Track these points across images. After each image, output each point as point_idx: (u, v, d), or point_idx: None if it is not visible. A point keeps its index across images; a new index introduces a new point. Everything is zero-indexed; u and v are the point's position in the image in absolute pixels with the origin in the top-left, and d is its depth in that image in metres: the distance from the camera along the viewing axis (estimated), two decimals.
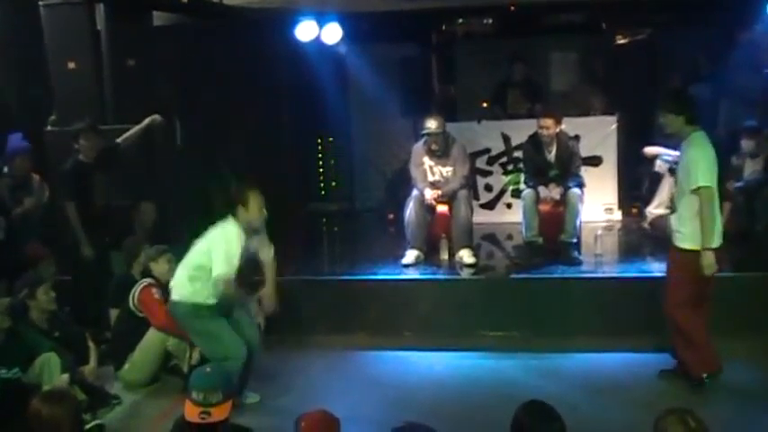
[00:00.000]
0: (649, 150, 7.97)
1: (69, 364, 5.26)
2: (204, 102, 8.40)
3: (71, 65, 7.42)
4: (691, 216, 5.13)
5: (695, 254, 5.13)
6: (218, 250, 5.10)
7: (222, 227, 5.21)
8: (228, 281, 5.11)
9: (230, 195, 5.22)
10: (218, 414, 3.53)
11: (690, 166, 5.12)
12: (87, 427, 4.81)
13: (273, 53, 9.12)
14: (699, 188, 5.06)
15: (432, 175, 7.42)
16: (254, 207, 5.15)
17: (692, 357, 5.34)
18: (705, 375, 5.29)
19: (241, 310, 5.45)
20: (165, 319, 5.84)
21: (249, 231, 5.20)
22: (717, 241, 5.16)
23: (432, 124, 7.23)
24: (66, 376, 5.14)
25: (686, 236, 5.18)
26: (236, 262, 5.09)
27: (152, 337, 5.89)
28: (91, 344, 5.82)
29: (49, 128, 7.52)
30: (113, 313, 6.36)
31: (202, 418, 3.51)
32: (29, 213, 7.00)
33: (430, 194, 7.26)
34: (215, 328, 5.22)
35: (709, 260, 5.09)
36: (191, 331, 5.38)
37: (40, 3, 7.47)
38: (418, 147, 7.49)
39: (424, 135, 7.34)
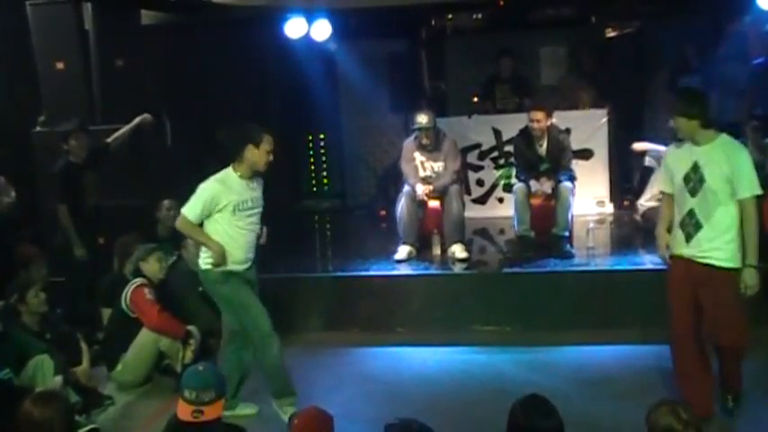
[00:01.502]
0: (638, 146, 7.99)
1: (62, 365, 5.25)
2: (194, 100, 8.37)
3: (59, 65, 7.39)
4: (731, 228, 4.59)
5: (739, 273, 4.59)
6: (195, 193, 5.05)
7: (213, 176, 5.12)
8: (183, 221, 5.04)
9: (243, 134, 5.07)
10: (211, 413, 3.52)
11: (739, 172, 4.50)
12: (82, 431, 4.79)
13: (263, 50, 9.10)
14: (751, 197, 4.53)
15: (423, 170, 7.42)
16: (264, 148, 5.02)
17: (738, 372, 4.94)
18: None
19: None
20: (158, 320, 5.83)
21: (251, 178, 5.09)
22: (753, 259, 4.59)
23: (422, 119, 7.22)
24: (59, 378, 5.12)
25: (728, 252, 4.59)
26: (200, 205, 4.98)
27: (144, 337, 5.88)
28: (83, 345, 5.79)
29: (37, 128, 7.50)
30: (105, 313, 6.34)
31: (195, 417, 3.49)
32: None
33: (421, 190, 7.25)
34: (242, 296, 5.11)
35: (753, 279, 4.54)
36: (218, 299, 5.23)
37: (27, 2, 7.44)
38: (409, 142, 7.49)
39: (414, 130, 7.34)
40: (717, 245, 4.60)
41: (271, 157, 5.08)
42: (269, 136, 5.05)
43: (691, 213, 4.66)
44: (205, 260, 5.11)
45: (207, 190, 5.02)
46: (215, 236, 5.04)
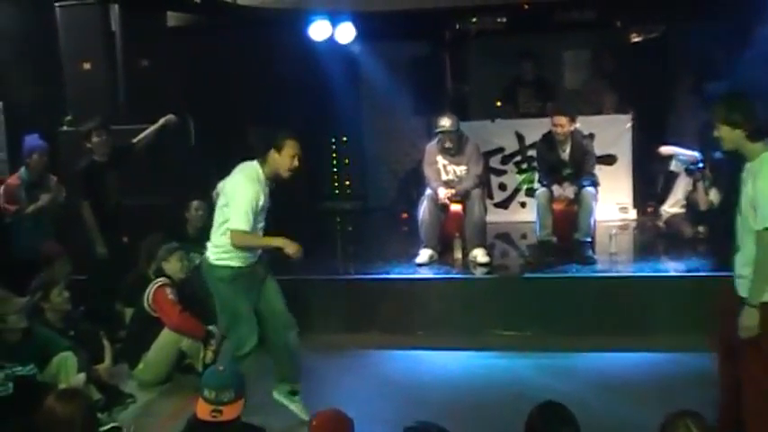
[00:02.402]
0: (665, 150, 7.91)
1: (85, 363, 5.29)
2: (218, 101, 8.42)
3: (86, 65, 7.46)
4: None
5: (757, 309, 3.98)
6: (235, 201, 4.89)
7: (241, 173, 5.02)
8: (242, 235, 4.91)
9: (270, 137, 5.05)
10: (230, 413, 3.54)
11: (759, 199, 3.91)
12: (103, 429, 4.83)
13: (287, 52, 9.13)
14: (763, 230, 3.91)
15: (445, 174, 7.41)
16: (288, 154, 4.97)
17: None
18: None
19: (277, 294, 5.28)
20: (178, 320, 5.87)
21: (271, 182, 5.05)
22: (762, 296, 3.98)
23: (445, 122, 7.21)
24: (82, 375, 5.16)
25: (760, 287, 3.97)
26: (251, 213, 4.86)
27: (166, 337, 5.92)
28: (106, 342, 5.85)
29: (63, 128, 7.57)
30: (128, 312, 6.39)
31: (213, 417, 3.52)
32: (42, 211, 7.03)
33: (443, 193, 7.25)
34: (238, 305, 5.07)
35: (751, 321, 3.96)
36: (216, 295, 5.17)
37: (56, 3, 7.52)
38: (431, 146, 7.49)
39: (437, 133, 7.33)
40: (745, 273, 4.08)
41: (295, 163, 5.02)
42: (293, 141, 5.00)
43: (735, 233, 4.21)
44: (217, 256, 5.06)
45: (251, 195, 4.89)
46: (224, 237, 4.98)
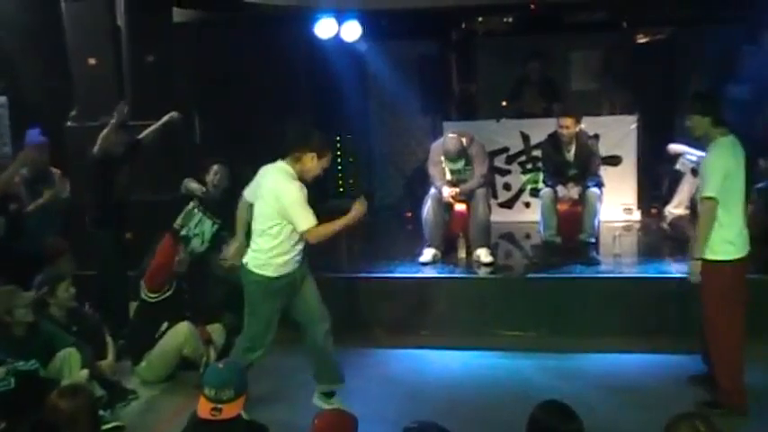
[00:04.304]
0: (673, 148, 7.83)
1: (89, 359, 5.30)
2: (223, 98, 8.41)
3: (91, 61, 7.47)
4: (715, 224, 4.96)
5: (717, 265, 4.97)
6: (289, 205, 4.89)
7: (276, 176, 4.99)
8: (316, 231, 4.94)
9: (310, 139, 5.02)
10: (229, 411, 3.54)
11: (702, 173, 5.01)
12: (106, 427, 4.84)
13: (293, 50, 9.12)
14: (704, 198, 4.93)
15: (450, 173, 7.40)
16: (323, 164, 4.99)
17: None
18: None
19: (313, 292, 5.31)
20: (157, 270, 5.89)
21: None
22: (736, 252, 4.98)
23: (450, 148, 7.11)
24: (85, 372, 5.18)
25: (711, 246, 4.98)
26: (309, 209, 4.89)
27: (170, 341, 5.94)
28: (109, 339, 5.86)
29: (69, 123, 7.58)
30: (133, 307, 6.40)
31: (213, 415, 3.53)
32: (47, 207, 7.03)
33: (447, 192, 7.23)
34: (264, 307, 5.09)
35: (694, 269, 5.04)
36: (246, 294, 5.18)
37: None
38: (437, 145, 7.47)
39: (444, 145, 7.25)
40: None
41: (321, 174, 5.07)
42: (330, 154, 5.06)
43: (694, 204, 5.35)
44: (255, 263, 5.07)
45: (299, 193, 4.91)
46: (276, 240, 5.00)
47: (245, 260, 5.14)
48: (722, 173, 4.87)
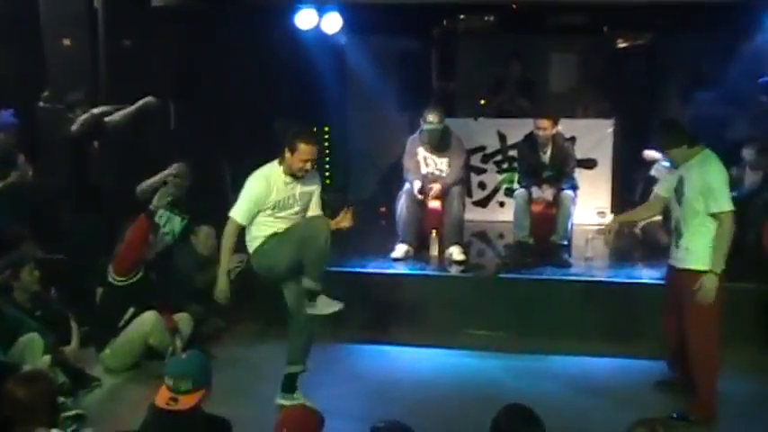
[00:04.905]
0: (649, 153, 7.88)
1: (51, 345, 5.22)
2: (199, 86, 8.32)
3: (66, 42, 7.35)
4: (705, 236, 4.94)
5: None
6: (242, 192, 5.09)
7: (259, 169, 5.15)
8: (230, 224, 5.07)
9: (288, 133, 5.12)
10: (186, 402, 3.50)
11: (712, 187, 4.86)
12: (67, 414, 4.76)
13: (272, 40, 9.03)
14: (723, 212, 4.86)
15: (425, 166, 7.39)
16: (299, 158, 5.00)
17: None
18: None
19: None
20: (127, 253, 5.83)
21: (296, 178, 5.10)
22: (721, 266, 4.98)
23: (432, 118, 7.17)
24: (48, 358, 5.12)
25: (699, 256, 4.96)
26: (247, 205, 5.03)
27: (135, 330, 5.86)
28: (73, 324, 5.78)
29: (41, 104, 7.46)
30: (99, 292, 6.31)
31: (168, 405, 3.49)
32: (12, 190, 6.91)
33: (418, 186, 7.20)
34: (274, 246, 5.13)
35: (711, 283, 4.89)
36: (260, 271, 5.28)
37: None
38: (414, 138, 7.47)
39: (423, 130, 7.28)
40: (692, 249, 4.98)
41: (308, 166, 5.07)
42: (306, 146, 5.01)
43: (677, 222, 5.10)
44: (250, 242, 5.18)
45: (252, 188, 5.05)
46: (254, 230, 5.10)
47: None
48: (727, 185, 4.94)
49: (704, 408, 5.04)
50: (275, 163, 5.13)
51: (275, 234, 5.12)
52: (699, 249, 4.96)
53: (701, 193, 4.89)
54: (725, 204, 4.87)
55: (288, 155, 5.03)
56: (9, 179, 6.86)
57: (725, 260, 4.93)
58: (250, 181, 5.08)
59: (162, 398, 3.52)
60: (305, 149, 5.01)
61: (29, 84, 7.69)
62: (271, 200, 5.03)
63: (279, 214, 5.08)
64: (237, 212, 5.07)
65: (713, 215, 4.88)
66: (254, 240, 5.18)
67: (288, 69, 9.44)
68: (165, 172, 6.77)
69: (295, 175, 5.09)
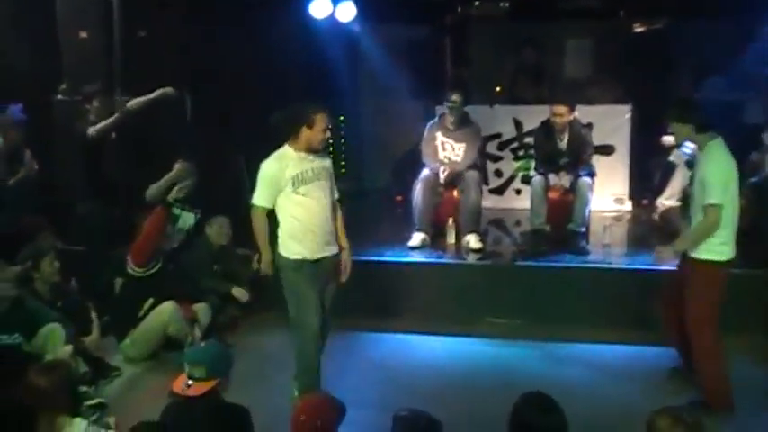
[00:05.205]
0: (668, 139, 7.82)
1: (72, 335, 5.27)
2: (215, 76, 8.33)
3: (82, 34, 7.38)
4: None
5: (712, 265, 4.97)
6: (258, 178, 5.06)
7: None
8: (255, 211, 5.03)
9: (296, 116, 5.07)
10: (196, 390, 3.56)
11: (706, 180, 4.88)
12: (89, 403, 4.81)
13: (287, 29, 9.03)
14: (709, 205, 4.87)
15: (443, 150, 7.39)
16: (319, 129, 5.01)
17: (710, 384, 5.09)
18: None
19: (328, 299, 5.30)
20: (144, 244, 5.86)
21: (307, 151, 5.07)
22: (729, 254, 4.99)
23: (456, 97, 7.25)
24: (69, 347, 5.15)
25: (707, 247, 4.96)
26: (265, 188, 4.99)
27: (154, 319, 5.91)
28: (93, 315, 5.83)
29: (58, 97, 7.50)
30: (119, 283, 6.35)
31: (182, 389, 3.55)
32: (21, 184, 6.94)
33: (444, 174, 7.25)
34: (303, 287, 5.04)
35: (669, 255, 5.15)
36: (283, 281, 5.15)
37: None
38: (433, 123, 7.50)
39: (445, 109, 7.32)
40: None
41: (327, 134, 5.11)
42: (321, 115, 5.03)
43: (689, 209, 5.23)
44: (281, 244, 5.10)
45: (266, 171, 5.01)
46: (282, 222, 5.05)
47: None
48: (725, 179, 4.88)
49: (715, 398, 5.00)
50: (285, 146, 5.11)
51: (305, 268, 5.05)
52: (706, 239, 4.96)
53: (701, 183, 4.93)
54: (713, 197, 4.84)
55: (306, 132, 5.01)
56: (19, 175, 6.90)
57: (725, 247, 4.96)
58: (262, 166, 5.07)
59: (178, 383, 3.59)
60: (320, 118, 5.02)
61: (45, 77, 7.73)
62: (287, 175, 4.98)
63: (300, 190, 4.98)
64: (258, 198, 5.03)
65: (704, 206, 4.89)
66: (282, 234, 5.11)
67: (302, 58, 9.44)
68: (170, 174, 6.82)
69: (314, 150, 5.07)
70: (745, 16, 8.72)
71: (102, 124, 6.96)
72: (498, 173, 8.95)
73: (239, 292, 6.51)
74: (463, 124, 7.36)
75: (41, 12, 7.59)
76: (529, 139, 8.45)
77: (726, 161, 4.93)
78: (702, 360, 5.06)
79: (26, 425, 2.85)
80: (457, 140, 7.35)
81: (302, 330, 5.07)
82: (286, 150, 5.06)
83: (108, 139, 6.95)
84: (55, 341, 5.15)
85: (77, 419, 3.72)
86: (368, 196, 10.18)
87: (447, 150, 7.40)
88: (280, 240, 5.11)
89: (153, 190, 6.81)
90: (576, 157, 7.23)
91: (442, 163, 7.33)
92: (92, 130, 6.95)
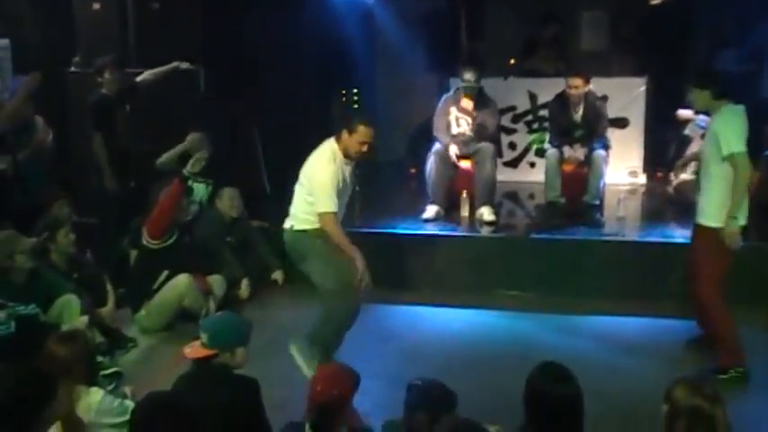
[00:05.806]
0: (683, 113, 7.78)
1: (88, 306, 5.31)
2: (228, 50, 8.31)
3: (95, 5, 7.37)
4: (719, 191, 4.87)
5: (714, 231, 4.91)
6: (317, 185, 5.01)
7: (317, 152, 5.11)
8: (329, 219, 5.01)
9: (351, 117, 5.12)
10: (195, 352, 3.65)
11: (718, 135, 4.80)
12: (105, 372, 4.85)
13: (302, 2, 8.99)
14: (732, 154, 4.74)
15: (457, 126, 7.35)
16: (357, 140, 5.00)
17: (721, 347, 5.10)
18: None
19: None
20: (160, 216, 5.87)
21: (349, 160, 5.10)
22: (742, 220, 4.90)
23: (470, 77, 7.19)
24: (85, 318, 5.19)
25: (711, 213, 4.93)
26: (332, 193, 4.97)
27: (170, 291, 5.94)
28: (109, 286, 5.86)
29: (71, 69, 7.50)
30: (133, 254, 6.39)
31: (186, 352, 3.67)
32: (35, 154, 6.95)
33: (454, 151, 7.18)
34: (335, 255, 5.06)
35: (732, 229, 4.82)
36: (312, 258, 5.14)
37: None
38: (447, 97, 7.47)
39: (459, 87, 7.25)
40: (702, 205, 5.04)
41: (364, 149, 5.06)
42: (365, 128, 5.01)
43: (697, 178, 5.25)
44: (305, 218, 5.11)
45: (329, 176, 4.98)
46: (307, 206, 5.07)
47: (289, 229, 5.21)
48: (738, 129, 4.81)
49: (729, 357, 5.02)
50: (332, 143, 5.09)
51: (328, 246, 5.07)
52: (706, 205, 4.97)
53: (713, 143, 4.85)
54: (734, 146, 4.75)
55: (346, 136, 5.02)
56: (29, 149, 6.90)
57: (742, 208, 4.87)
58: (321, 171, 5.00)
59: (191, 345, 3.70)
60: (364, 131, 5.01)
61: (58, 49, 7.73)
62: (339, 178, 5.02)
63: (336, 199, 5.03)
64: (327, 204, 4.98)
65: (726, 159, 4.77)
66: (306, 213, 5.13)
67: (317, 32, 9.39)
68: (183, 144, 6.82)
69: (350, 158, 5.09)
70: None
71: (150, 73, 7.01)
72: (512, 145, 8.91)
73: (278, 275, 6.50)
74: (480, 104, 7.30)
75: None
76: (543, 112, 8.40)
77: (738, 118, 4.87)
78: (716, 319, 5.07)
79: (47, 393, 2.87)
80: (473, 120, 7.31)
81: (346, 302, 5.08)
82: (335, 151, 5.06)
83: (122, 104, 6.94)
84: (71, 312, 5.18)
85: (95, 389, 3.75)
86: (382, 168, 10.15)
87: (461, 126, 7.36)
88: (302, 217, 5.12)
89: (164, 158, 6.83)
90: (591, 129, 7.19)
91: (453, 139, 7.28)
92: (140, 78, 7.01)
